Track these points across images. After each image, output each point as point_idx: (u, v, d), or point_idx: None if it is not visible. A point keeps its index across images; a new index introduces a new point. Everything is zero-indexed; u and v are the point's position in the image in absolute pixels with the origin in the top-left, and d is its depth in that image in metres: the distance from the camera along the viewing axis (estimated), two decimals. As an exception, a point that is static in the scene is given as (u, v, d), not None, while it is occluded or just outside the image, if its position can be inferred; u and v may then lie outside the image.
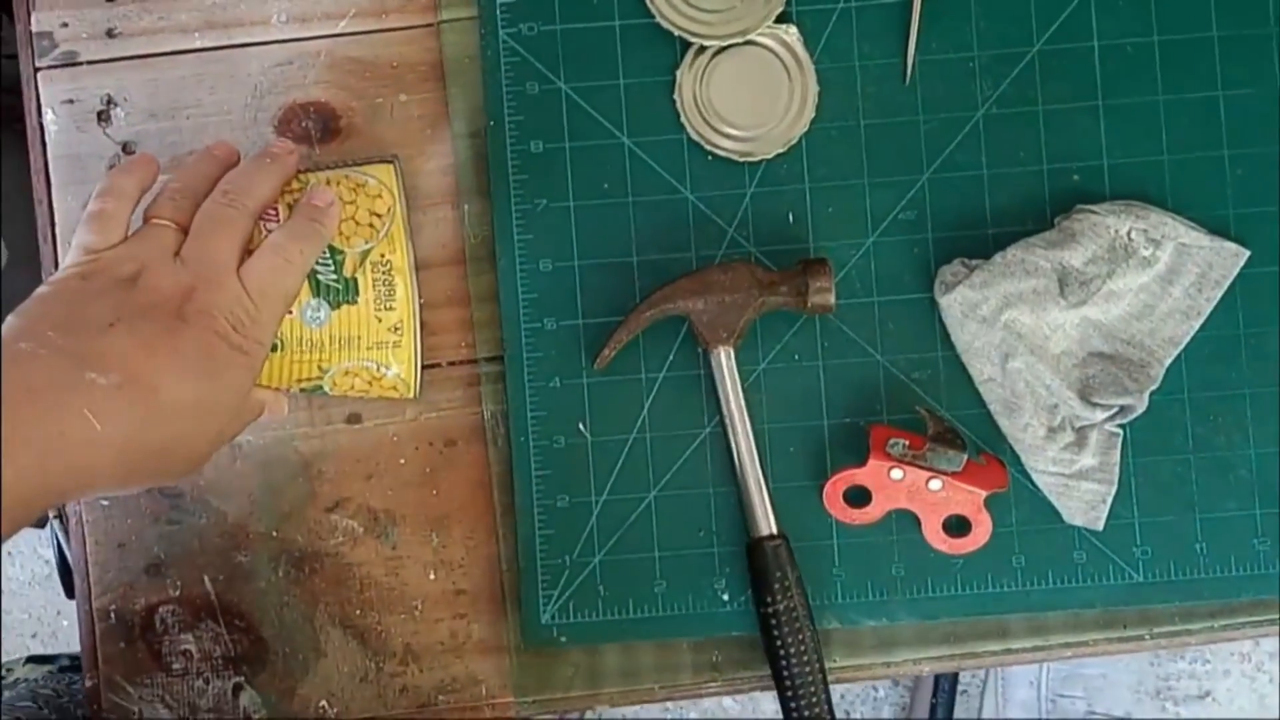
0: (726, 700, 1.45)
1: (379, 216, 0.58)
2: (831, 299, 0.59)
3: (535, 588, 0.62)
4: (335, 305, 0.57)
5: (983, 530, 0.60)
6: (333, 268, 0.57)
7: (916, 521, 0.61)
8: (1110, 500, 0.61)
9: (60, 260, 0.64)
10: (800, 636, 0.59)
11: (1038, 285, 0.59)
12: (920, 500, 0.60)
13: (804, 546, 0.62)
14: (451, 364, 0.63)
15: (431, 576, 0.63)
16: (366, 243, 0.58)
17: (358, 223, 0.58)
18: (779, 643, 0.59)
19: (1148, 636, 0.63)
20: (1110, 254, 0.60)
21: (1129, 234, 0.60)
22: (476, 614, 0.63)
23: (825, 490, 0.60)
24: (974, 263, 0.61)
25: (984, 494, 0.59)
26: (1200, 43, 0.62)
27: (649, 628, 0.63)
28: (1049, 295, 0.59)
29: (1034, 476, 0.61)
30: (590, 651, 0.63)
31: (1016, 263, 0.60)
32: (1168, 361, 0.61)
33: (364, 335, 0.57)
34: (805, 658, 0.59)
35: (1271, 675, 1.44)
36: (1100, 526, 0.61)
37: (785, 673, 0.60)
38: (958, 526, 0.60)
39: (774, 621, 0.59)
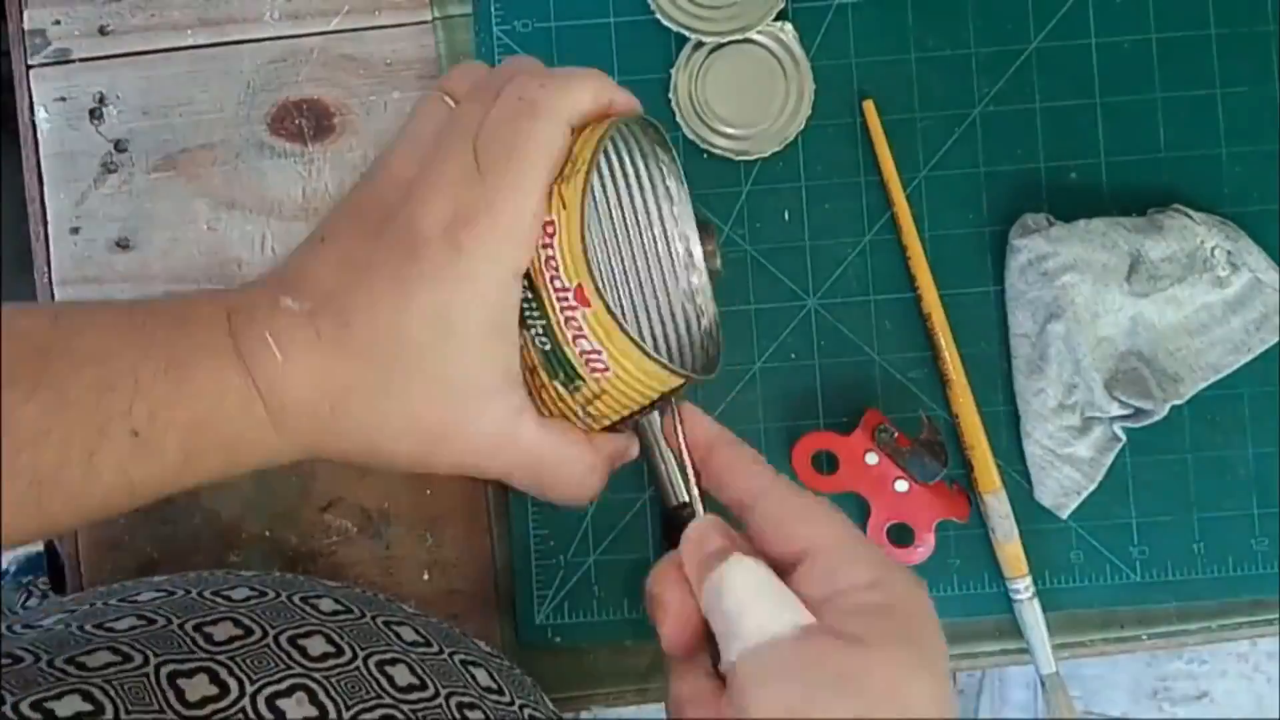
0: (723, 700, 1.44)
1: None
2: None
3: (529, 588, 0.62)
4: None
5: (924, 550, 0.59)
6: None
7: (864, 515, 0.60)
8: (1085, 495, 0.60)
9: (51, 260, 0.63)
10: None
11: (1108, 260, 0.59)
12: (880, 494, 0.59)
13: (800, 546, 0.62)
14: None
15: (425, 576, 0.63)
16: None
17: None
18: None
19: (1145, 637, 0.63)
20: (1188, 259, 0.59)
21: (1213, 250, 0.59)
22: (470, 614, 0.63)
23: (800, 441, 0.59)
24: (1056, 221, 0.60)
25: (940, 516, 0.59)
26: (1198, 40, 0.62)
27: (644, 628, 0.62)
28: (1115, 274, 0.59)
29: (1024, 442, 0.61)
30: (585, 652, 0.63)
31: (1098, 234, 0.59)
32: (1200, 385, 0.60)
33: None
34: None
35: (1269, 675, 1.43)
36: (1066, 515, 0.61)
37: None
38: (900, 536, 0.60)
39: None
